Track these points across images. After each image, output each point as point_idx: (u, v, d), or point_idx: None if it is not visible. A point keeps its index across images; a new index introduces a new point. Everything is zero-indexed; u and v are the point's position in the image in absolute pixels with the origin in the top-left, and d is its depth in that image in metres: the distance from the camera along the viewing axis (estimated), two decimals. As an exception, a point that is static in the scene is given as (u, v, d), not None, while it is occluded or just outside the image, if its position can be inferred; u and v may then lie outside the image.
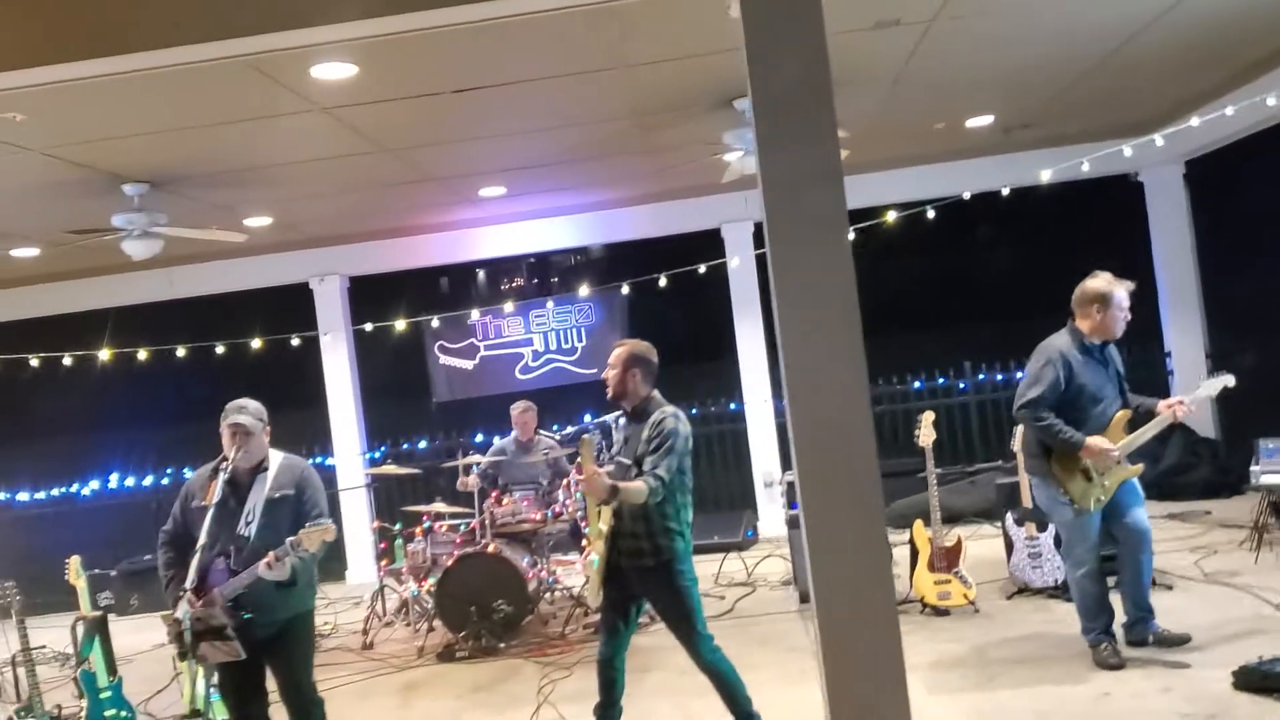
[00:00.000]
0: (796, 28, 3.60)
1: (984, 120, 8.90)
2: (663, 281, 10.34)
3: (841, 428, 3.64)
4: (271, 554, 4.47)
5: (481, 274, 13.30)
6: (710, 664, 4.94)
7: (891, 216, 9.46)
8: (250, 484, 4.71)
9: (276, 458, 4.82)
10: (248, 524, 4.63)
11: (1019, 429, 7.23)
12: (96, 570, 10.43)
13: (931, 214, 9.70)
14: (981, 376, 11.26)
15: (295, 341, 11.21)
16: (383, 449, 11.88)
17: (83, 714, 5.84)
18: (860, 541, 3.64)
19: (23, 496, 11.97)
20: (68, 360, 10.70)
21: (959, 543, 7.06)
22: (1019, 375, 11.16)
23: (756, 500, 10.80)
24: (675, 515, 4.90)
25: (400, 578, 8.74)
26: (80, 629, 6.00)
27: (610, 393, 5.06)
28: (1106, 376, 5.68)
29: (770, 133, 3.67)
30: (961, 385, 11.21)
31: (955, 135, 9.45)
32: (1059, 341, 5.69)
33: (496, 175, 8.94)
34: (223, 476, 4.61)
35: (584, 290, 11.27)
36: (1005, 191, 10.04)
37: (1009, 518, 7.26)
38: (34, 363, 11.02)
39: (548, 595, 8.43)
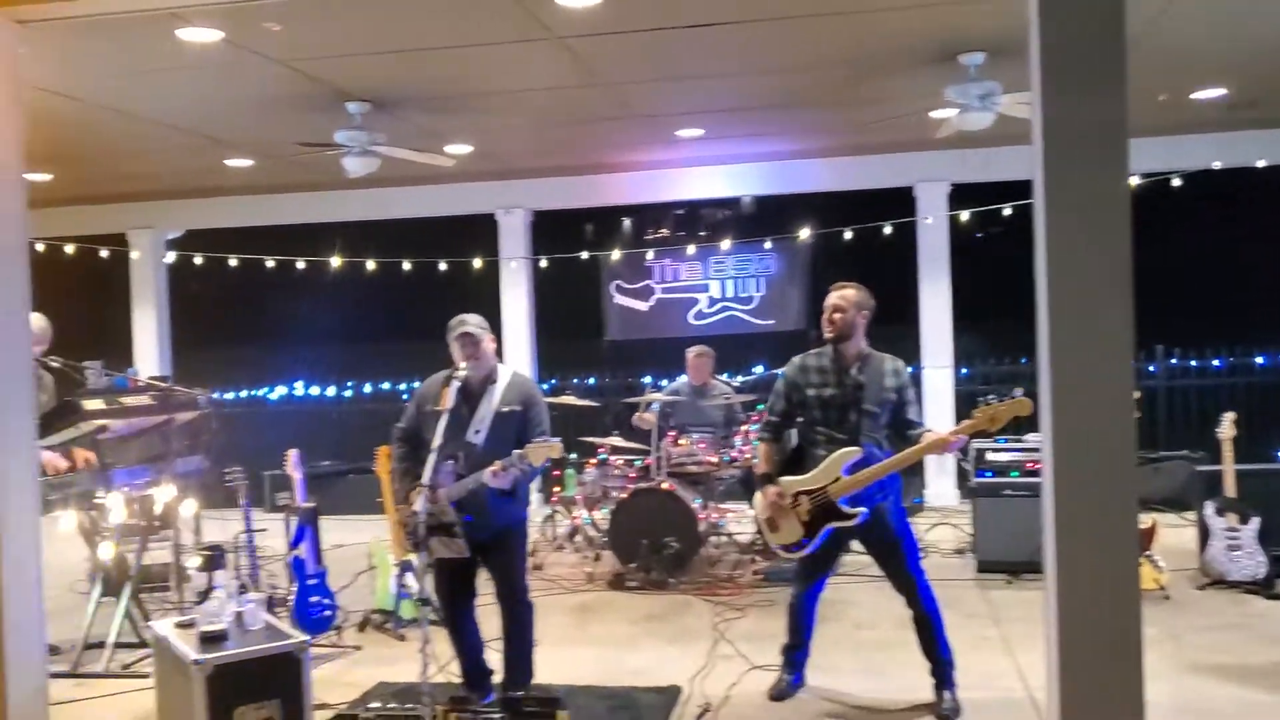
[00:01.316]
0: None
1: (1214, 93, 8.50)
2: (848, 235, 10.25)
3: (1103, 399, 3.55)
4: (498, 463, 4.63)
5: (663, 216, 13.35)
6: (929, 601, 5.00)
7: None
8: (481, 395, 4.89)
9: (505, 373, 5.00)
10: (476, 433, 4.83)
11: (1228, 416, 7.00)
12: (277, 471, 10.93)
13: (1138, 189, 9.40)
14: (1174, 361, 10.87)
15: (478, 266, 11.47)
16: (552, 382, 12.12)
17: (291, 598, 6.16)
18: (1111, 521, 3.57)
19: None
20: (270, 266, 11.15)
21: (1154, 525, 6.88)
22: (1215, 363, 10.84)
23: (925, 468, 10.69)
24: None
25: (570, 506, 8.95)
26: (293, 519, 6.30)
27: (834, 332, 5.05)
28: None
29: (1055, 84, 3.58)
30: (1151, 368, 10.83)
31: (1172, 109, 9.07)
32: None
33: (699, 116, 8.95)
34: (455, 385, 4.79)
35: (767, 240, 11.23)
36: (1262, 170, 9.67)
37: (1209, 507, 7.01)
38: (236, 271, 11.55)
39: (713, 539, 8.52)
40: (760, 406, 8.60)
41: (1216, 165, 9.54)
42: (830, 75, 7.69)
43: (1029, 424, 8.53)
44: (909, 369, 5.27)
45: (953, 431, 4.88)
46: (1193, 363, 10.84)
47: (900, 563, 5.02)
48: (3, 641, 4.21)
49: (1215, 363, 10.84)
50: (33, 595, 4.38)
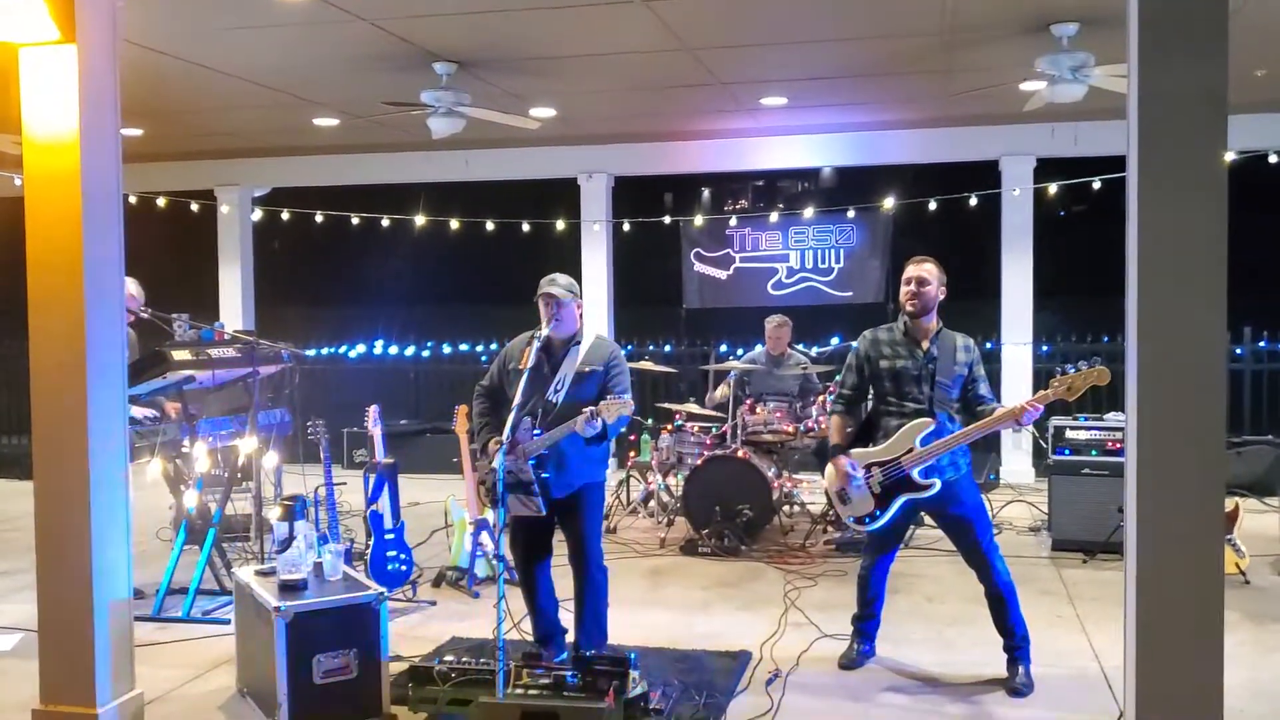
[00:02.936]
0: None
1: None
2: (932, 207, 10.10)
3: (1192, 379, 3.48)
4: (587, 410, 4.68)
5: (742, 187, 13.30)
6: (1002, 576, 4.97)
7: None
8: (564, 355, 4.94)
9: (590, 335, 5.04)
10: (556, 391, 4.87)
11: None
12: (355, 428, 11.14)
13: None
14: (1262, 344, 10.57)
15: (560, 227, 11.52)
16: (628, 347, 12.16)
17: (368, 552, 6.28)
18: (1195, 503, 3.50)
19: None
20: (353, 223, 11.28)
21: (1236, 508, 6.73)
22: (1306, 347, 10.54)
23: (1000, 445, 10.56)
24: None
25: (645, 471, 9.00)
26: (372, 475, 6.41)
27: (917, 306, 5.02)
28: None
29: (1153, 53, 3.49)
30: (1238, 350, 10.55)
31: (1270, 85, 8.79)
32: None
33: (783, 85, 8.88)
34: (537, 344, 4.84)
35: (849, 209, 11.11)
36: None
37: (1295, 492, 6.87)
38: (320, 229, 11.72)
39: (786, 508, 8.51)
40: (837, 377, 8.55)
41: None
42: (920, 43, 7.57)
43: (1110, 402, 8.43)
44: (988, 344, 5.23)
45: (1029, 401, 4.82)
46: (1280, 345, 10.55)
47: (973, 538, 4.98)
48: (92, 584, 4.35)
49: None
50: (120, 540, 4.51)
